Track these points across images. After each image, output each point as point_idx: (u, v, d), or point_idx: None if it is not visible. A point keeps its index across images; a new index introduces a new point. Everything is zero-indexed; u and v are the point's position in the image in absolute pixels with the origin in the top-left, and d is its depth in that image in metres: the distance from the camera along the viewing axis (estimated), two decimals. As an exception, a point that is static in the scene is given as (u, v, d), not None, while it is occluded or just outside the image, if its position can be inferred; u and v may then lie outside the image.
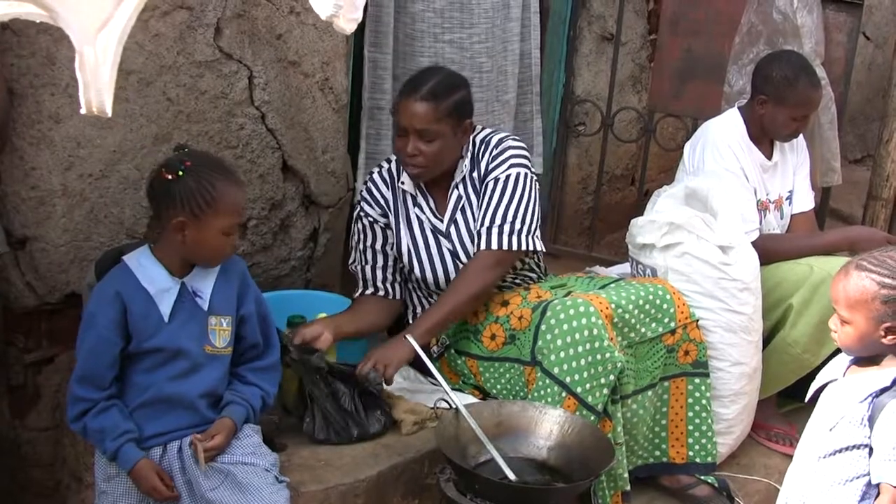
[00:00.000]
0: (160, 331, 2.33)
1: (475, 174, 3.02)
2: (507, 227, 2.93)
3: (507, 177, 2.97)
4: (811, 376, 2.51)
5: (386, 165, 3.12)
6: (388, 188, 3.08)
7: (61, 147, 2.72)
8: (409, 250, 3.04)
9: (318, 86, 3.27)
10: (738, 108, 3.64)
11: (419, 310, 3.12)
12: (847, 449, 2.23)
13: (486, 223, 2.95)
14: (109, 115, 1.13)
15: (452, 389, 2.68)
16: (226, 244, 2.37)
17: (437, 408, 2.80)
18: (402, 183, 3.05)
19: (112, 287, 2.32)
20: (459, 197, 3.03)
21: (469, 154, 3.02)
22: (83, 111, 1.16)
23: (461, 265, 3.00)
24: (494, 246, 2.93)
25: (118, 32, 1.12)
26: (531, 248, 2.97)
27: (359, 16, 1.25)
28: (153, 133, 2.88)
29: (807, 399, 2.44)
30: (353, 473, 2.60)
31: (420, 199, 3.05)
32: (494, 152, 3.00)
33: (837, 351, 2.43)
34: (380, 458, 2.68)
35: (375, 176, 3.11)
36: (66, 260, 2.81)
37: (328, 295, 3.33)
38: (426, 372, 2.82)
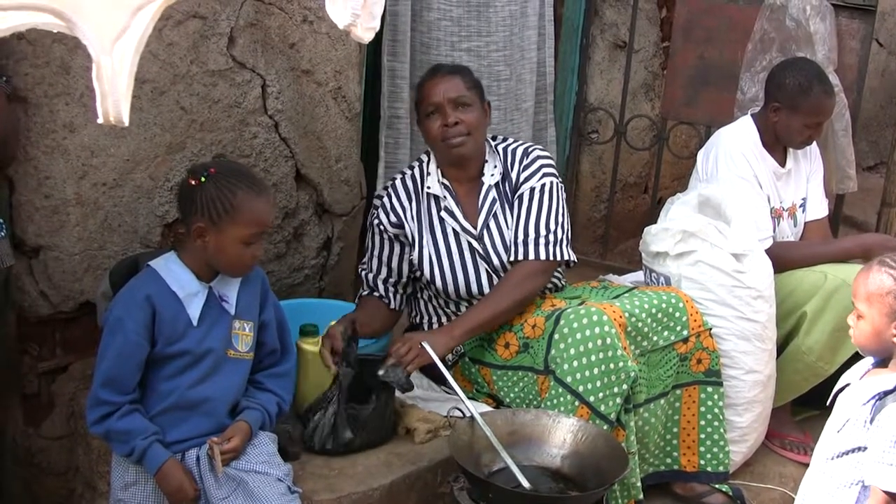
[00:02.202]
0: (187, 334, 2.34)
1: (507, 183, 3.04)
2: (551, 238, 2.97)
3: (543, 186, 3.01)
4: (826, 384, 2.50)
5: (409, 172, 3.11)
6: (409, 197, 3.06)
7: (75, 156, 2.73)
8: (430, 258, 3.02)
9: (332, 94, 3.27)
10: (752, 115, 3.63)
11: (434, 320, 3.11)
12: (852, 451, 2.25)
13: (531, 233, 2.97)
14: (126, 124, 1.13)
15: (466, 398, 2.68)
16: (245, 254, 2.36)
17: (451, 416, 2.79)
18: (429, 187, 3.04)
19: (142, 291, 2.32)
20: (494, 200, 3.03)
21: (498, 162, 3.05)
22: (100, 121, 1.16)
23: (489, 271, 3.00)
24: (542, 256, 2.96)
25: (135, 42, 1.13)
26: (567, 257, 3.01)
27: (376, 25, 1.26)
28: (167, 142, 2.89)
29: (827, 403, 2.44)
30: (366, 482, 2.59)
31: (449, 202, 3.03)
32: (525, 161, 3.04)
33: (852, 359, 2.42)
34: (393, 467, 2.68)
35: (398, 183, 3.09)
36: (79, 269, 2.81)
37: (341, 303, 3.33)
38: (439, 380, 2.82)
